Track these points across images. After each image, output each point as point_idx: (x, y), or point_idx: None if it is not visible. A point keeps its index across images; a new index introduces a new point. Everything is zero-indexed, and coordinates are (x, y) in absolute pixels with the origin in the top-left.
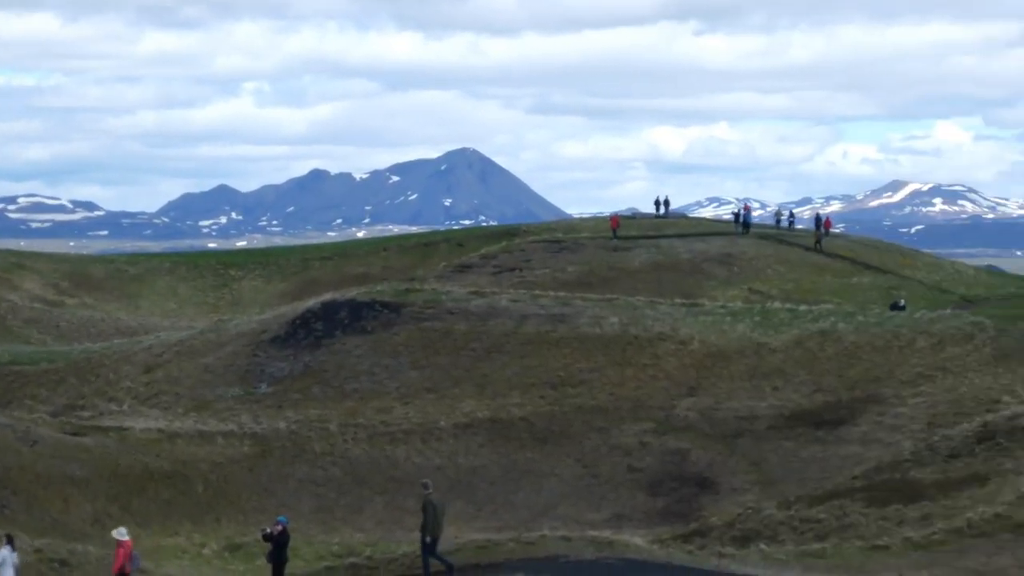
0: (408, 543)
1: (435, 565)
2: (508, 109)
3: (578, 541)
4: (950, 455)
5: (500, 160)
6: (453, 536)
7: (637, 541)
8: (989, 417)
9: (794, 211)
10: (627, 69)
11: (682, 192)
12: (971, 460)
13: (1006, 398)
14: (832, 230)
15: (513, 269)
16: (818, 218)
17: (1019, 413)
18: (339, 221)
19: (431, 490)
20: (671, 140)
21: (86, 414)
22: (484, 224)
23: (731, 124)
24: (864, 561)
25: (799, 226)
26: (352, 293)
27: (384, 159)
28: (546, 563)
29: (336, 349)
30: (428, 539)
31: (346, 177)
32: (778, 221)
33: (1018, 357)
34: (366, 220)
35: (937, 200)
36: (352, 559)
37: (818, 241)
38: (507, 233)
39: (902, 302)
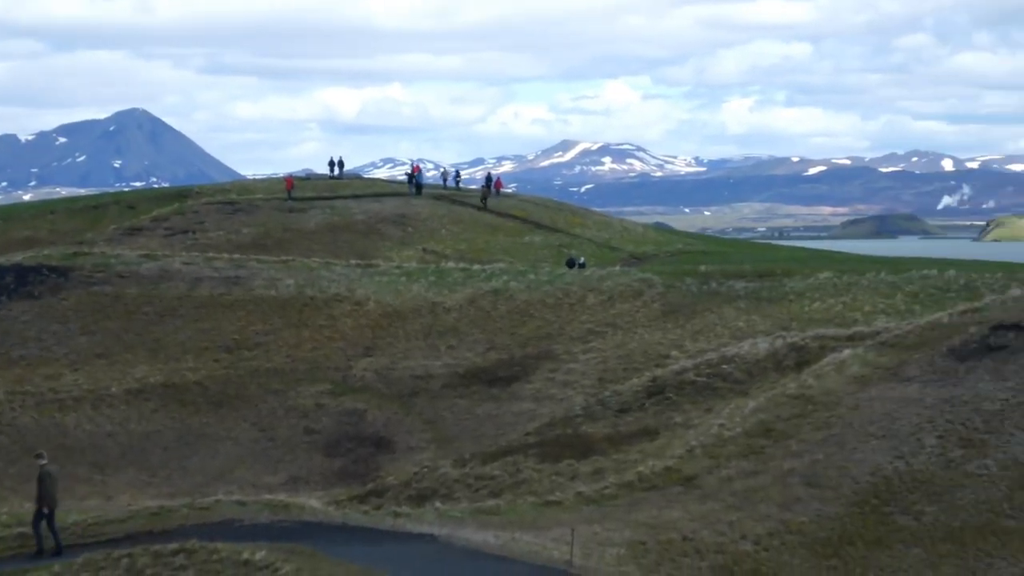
0: (78, 511)
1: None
2: (179, 69)
3: (253, 505)
4: (620, 410)
5: (171, 121)
6: (126, 503)
7: (313, 503)
8: (658, 372)
9: (461, 171)
10: (300, 29)
11: (356, 153)
12: (641, 414)
13: (674, 353)
14: (503, 190)
15: (186, 231)
16: (488, 178)
17: (687, 367)
18: (3, 184)
19: (46, 460)
20: (345, 101)
21: None
22: (156, 186)
23: (405, 85)
24: (537, 516)
25: (473, 186)
26: (17, 258)
27: (51, 120)
28: (220, 528)
29: (1, 315)
30: (45, 510)
31: (10, 139)
32: (444, 181)
33: (685, 312)
34: (32, 183)
35: (607, 159)
36: (21, 529)
37: (484, 199)
38: (179, 195)
39: (581, 259)
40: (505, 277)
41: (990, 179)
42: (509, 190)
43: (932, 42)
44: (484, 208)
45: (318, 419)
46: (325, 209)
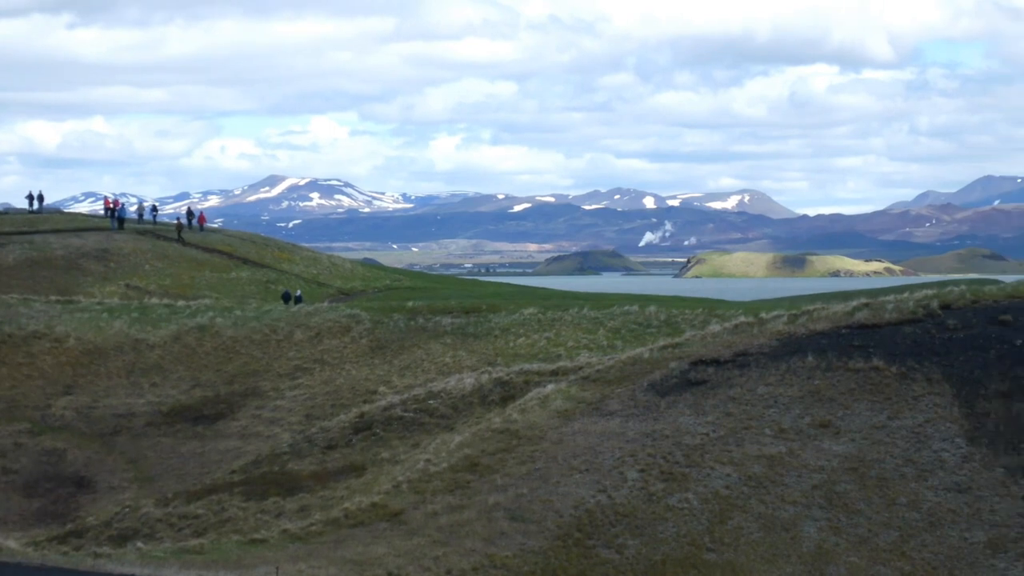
0: None
1: None
2: None
3: None
4: (328, 446)
5: None
6: None
7: (11, 544)
8: (366, 407)
9: (162, 206)
10: None
11: (57, 187)
12: (348, 451)
13: (382, 388)
14: (208, 225)
15: None
16: (190, 212)
17: (394, 403)
18: None
19: None
20: (45, 134)
21: None
22: None
23: (107, 118)
24: (242, 555)
25: (176, 220)
26: None
27: None
28: None
29: None
30: None
31: None
32: (140, 215)
33: (393, 348)
34: None
35: (315, 194)
36: None
37: (179, 231)
38: None
39: (298, 292)
40: (211, 313)
41: (691, 216)
42: (215, 225)
43: (635, 81)
44: (180, 241)
45: (16, 459)
46: (24, 244)
